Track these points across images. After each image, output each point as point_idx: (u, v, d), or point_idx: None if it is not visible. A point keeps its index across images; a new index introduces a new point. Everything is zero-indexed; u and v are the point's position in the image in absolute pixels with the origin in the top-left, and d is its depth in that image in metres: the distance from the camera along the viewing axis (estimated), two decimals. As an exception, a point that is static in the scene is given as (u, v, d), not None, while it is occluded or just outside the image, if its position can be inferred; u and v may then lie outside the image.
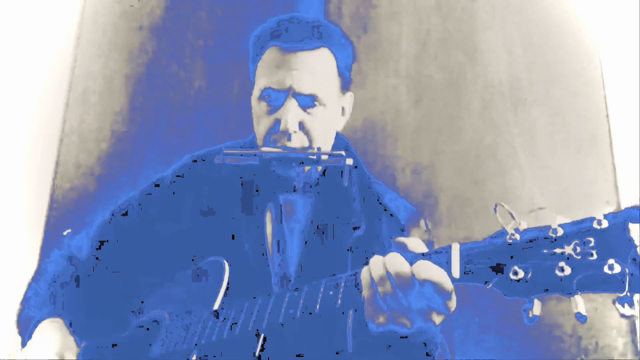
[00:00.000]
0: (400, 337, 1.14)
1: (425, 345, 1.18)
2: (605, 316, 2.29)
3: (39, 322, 1.55)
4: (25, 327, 1.57)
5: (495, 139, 2.57)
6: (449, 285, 1.07)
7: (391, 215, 1.60)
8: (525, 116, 2.58)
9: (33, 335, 1.53)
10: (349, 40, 1.63)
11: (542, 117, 2.57)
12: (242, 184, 1.61)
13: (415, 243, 1.16)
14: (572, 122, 2.54)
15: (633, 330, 2.28)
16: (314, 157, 1.47)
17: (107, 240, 1.69)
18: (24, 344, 1.55)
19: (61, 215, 2.60)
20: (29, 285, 1.69)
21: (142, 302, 1.59)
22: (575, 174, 2.47)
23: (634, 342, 2.27)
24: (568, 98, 2.57)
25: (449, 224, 2.50)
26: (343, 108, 1.65)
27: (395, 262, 1.10)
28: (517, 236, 0.99)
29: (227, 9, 2.80)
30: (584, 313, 0.90)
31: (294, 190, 1.59)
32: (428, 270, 1.07)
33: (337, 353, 1.37)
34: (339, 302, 1.17)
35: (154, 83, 2.74)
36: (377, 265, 1.12)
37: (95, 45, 2.75)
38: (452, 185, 2.55)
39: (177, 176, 1.69)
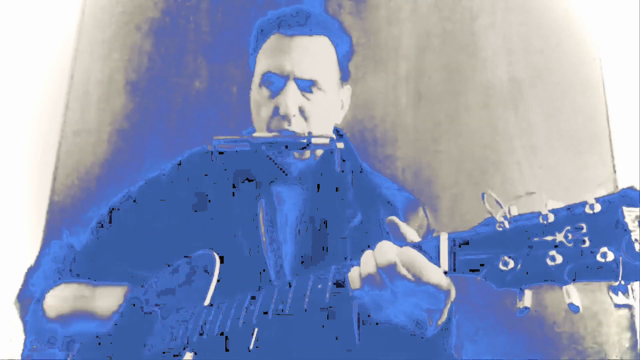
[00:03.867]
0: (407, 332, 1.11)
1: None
2: (605, 315, 2.28)
3: (46, 291, 1.53)
4: (28, 302, 1.55)
5: (495, 138, 2.56)
6: (443, 282, 1.03)
7: (388, 203, 1.59)
8: (525, 116, 2.57)
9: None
10: (347, 34, 1.64)
11: (542, 117, 2.56)
12: (237, 175, 1.60)
13: (408, 229, 1.14)
14: (572, 122, 2.53)
15: (633, 330, 2.27)
16: (305, 140, 1.47)
17: (104, 234, 1.68)
18: (27, 319, 1.53)
19: (61, 215, 2.60)
20: (27, 273, 1.67)
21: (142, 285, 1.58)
22: (575, 173, 2.47)
23: (634, 341, 2.26)
24: (568, 98, 2.56)
25: (449, 224, 2.49)
26: (342, 101, 1.65)
27: (385, 254, 1.06)
28: (507, 224, 0.96)
29: (227, 9, 2.80)
30: (576, 303, 0.87)
31: (289, 180, 1.59)
32: (416, 262, 1.04)
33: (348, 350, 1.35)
34: (327, 296, 1.15)
35: (154, 83, 2.74)
36: (367, 261, 1.09)
37: (95, 45, 2.75)
38: (452, 185, 2.55)
39: (173, 171, 1.70)
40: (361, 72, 2.66)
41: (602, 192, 0.89)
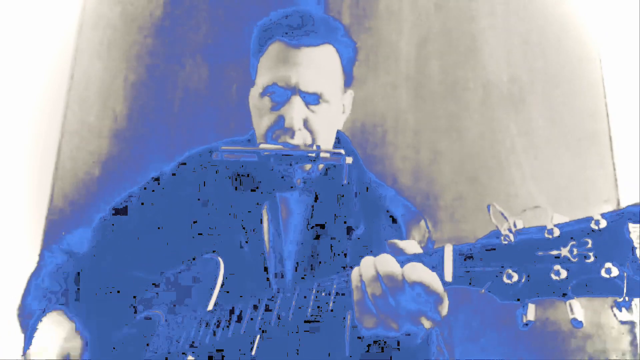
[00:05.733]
0: (385, 342, 1.12)
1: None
2: (605, 315, 2.29)
3: (41, 315, 1.54)
4: (28, 322, 1.56)
5: (495, 139, 2.56)
6: (439, 288, 1.04)
7: (391, 215, 1.59)
8: (525, 116, 2.57)
9: (36, 331, 1.52)
10: (351, 38, 1.61)
11: (542, 117, 2.56)
12: (240, 181, 1.60)
13: (409, 244, 1.14)
14: (572, 122, 2.53)
15: (632, 331, 2.27)
16: (313, 154, 1.45)
17: (106, 236, 1.68)
18: (26, 339, 1.54)
19: (61, 215, 2.60)
20: (29, 280, 1.67)
21: (135, 297, 1.58)
22: (575, 173, 2.47)
23: (633, 342, 2.27)
24: (568, 98, 2.56)
25: (449, 224, 2.49)
26: (344, 105, 1.64)
27: (386, 263, 1.07)
28: (512, 237, 0.96)
29: (227, 9, 2.79)
30: (580, 319, 0.87)
31: (292, 188, 1.58)
32: (418, 272, 1.04)
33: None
34: (331, 305, 1.15)
35: (154, 83, 2.74)
36: (367, 266, 1.10)
37: (95, 45, 2.74)
38: (452, 185, 2.55)
39: (176, 172, 1.68)
40: (361, 72, 2.65)
41: (609, 206, 0.88)
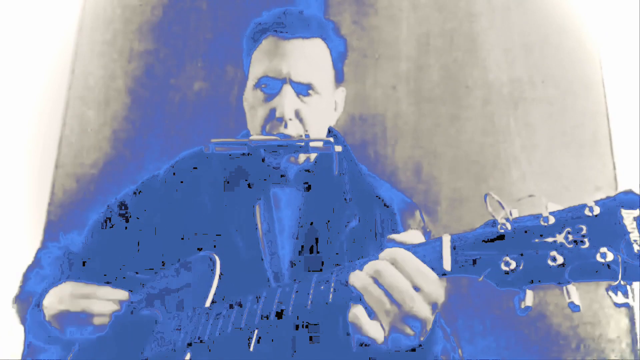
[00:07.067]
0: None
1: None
2: (605, 315, 2.28)
3: (49, 288, 1.53)
4: (27, 307, 1.55)
5: (495, 138, 2.56)
6: (431, 275, 1.03)
7: (385, 206, 1.60)
8: (525, 116, 2.57)
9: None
10: (341, 35, 1.65)
11: (542, 117, 2.57)
12: (233, 177, 1.61)
13: (409, 237, 1.13)
14: (572, 122, 2.54)
15: (632, 330, 2.27)
16: (302, 143, 1.47)
17: (101, 236, 1.68)
18: (26, 321, 1.53)
19: (61, 215, 2.60)
20: (25, 273, 1.67)
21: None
22: (575, 173, 2.47)
23: (633, 342, 2.26)
24: (568, 98, 2.56)
25: (449, 224, 2.49)
26: (336, 102, 1.66)
27: (372, 265, 1.06)
28: (508, 225, 0.97)
29: (227, 9, 2.80)
30: (577, 303, 0.89)
31: (285, 182, 1.59)
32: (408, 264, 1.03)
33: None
34: (330, 297, 1.14)
35: (154, 83, 2.74)
36: (357, 277, 1.08)
37: (95, 45, 2.75)
38: (452, 186, 2.55)
39: (171, 172, 1.70)
40: (361, 72, 2.66)
41: (602, 193, 0.89)
